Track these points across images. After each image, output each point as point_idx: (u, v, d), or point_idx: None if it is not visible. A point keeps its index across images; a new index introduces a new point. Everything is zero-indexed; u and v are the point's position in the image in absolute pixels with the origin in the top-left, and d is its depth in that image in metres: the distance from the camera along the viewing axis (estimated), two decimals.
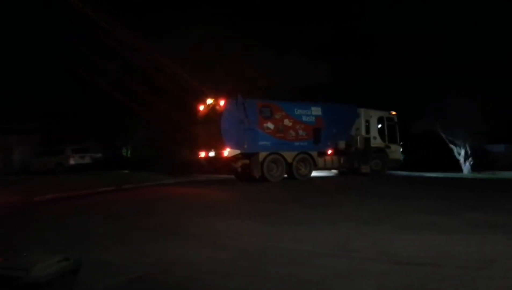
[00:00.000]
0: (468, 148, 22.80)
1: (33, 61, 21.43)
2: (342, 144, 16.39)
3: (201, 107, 15.25)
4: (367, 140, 17.04)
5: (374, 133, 17.57)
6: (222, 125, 13.96)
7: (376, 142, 17.55)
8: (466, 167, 22.94)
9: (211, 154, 14.61)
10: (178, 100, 19.13)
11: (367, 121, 17.52)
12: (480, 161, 22.46)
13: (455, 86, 20.67)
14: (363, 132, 17.23)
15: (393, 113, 18.27)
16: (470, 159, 22.82)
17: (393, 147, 17.99)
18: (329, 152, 16.15)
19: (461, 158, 23.22)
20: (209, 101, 14.84)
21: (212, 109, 14.72)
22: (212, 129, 14.45)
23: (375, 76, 22.54)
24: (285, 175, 15.20)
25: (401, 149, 18.36)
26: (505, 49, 21.29)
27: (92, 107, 23.62)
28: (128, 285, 3.76)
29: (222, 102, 14.31)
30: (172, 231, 6.22)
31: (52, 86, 22.29)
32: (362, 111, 17.42)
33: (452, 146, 23.36)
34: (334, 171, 18.65)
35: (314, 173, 16.54)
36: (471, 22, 21.48)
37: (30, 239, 5.88)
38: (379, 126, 17.84)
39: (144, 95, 20.40)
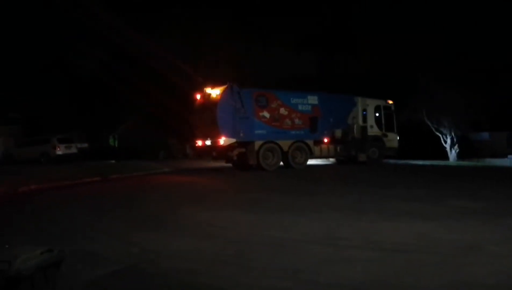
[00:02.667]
0: (454, 136, 22.95)
1: (14, 50, 20.55)
2: (338, 133, 16.44)
3: (198, 96, 15.25)
4: (364, 129, 17.07)
5: (371, 122, 17.57)
6: (218, 114, 14.00)
7: (373, 130, 17.56)
8: (452, 155, 23.19)
9: (208, 142, 14.67)
10: (171, 90, 19.07)
11: (364, 110, 17.50)
12: (465, 149, 22.70)
13: (441, 79, 20.82)
14: (360, 121, 17.24)
15: (390, 102, 18.25)
16: (455, 147, 23.00)
17: (390, 135, 18.03)
18: (326, 140, 16.18)
19: (447, 146, 23.37)
20: (206, 90, 14.83)
21: (208, 98, 14.71)
22: (208, 118, 14.48)
23: (361, 68, 22.68)
24: (281, 164, 15.26)
25: (398, 137, 18.40)
26: (486, 44, 21.33)
27: (77, 96, 23.21)
28: (114, 276, 3.78)
29: (218, 91, 14.31)
30: (159, 221, 6.22)
31: (34, 76, 21.65)
32: (359, 100, 17.42)
33: (438, 134, 23.49)
34: (331, 160, 18.70)
35: (312, 162, 16.57)
36: (458, 19, 21.49)
37: (14, 231, 5.85)
38: (376, 114, 17.83)
39: (134, 85, 20.22)
